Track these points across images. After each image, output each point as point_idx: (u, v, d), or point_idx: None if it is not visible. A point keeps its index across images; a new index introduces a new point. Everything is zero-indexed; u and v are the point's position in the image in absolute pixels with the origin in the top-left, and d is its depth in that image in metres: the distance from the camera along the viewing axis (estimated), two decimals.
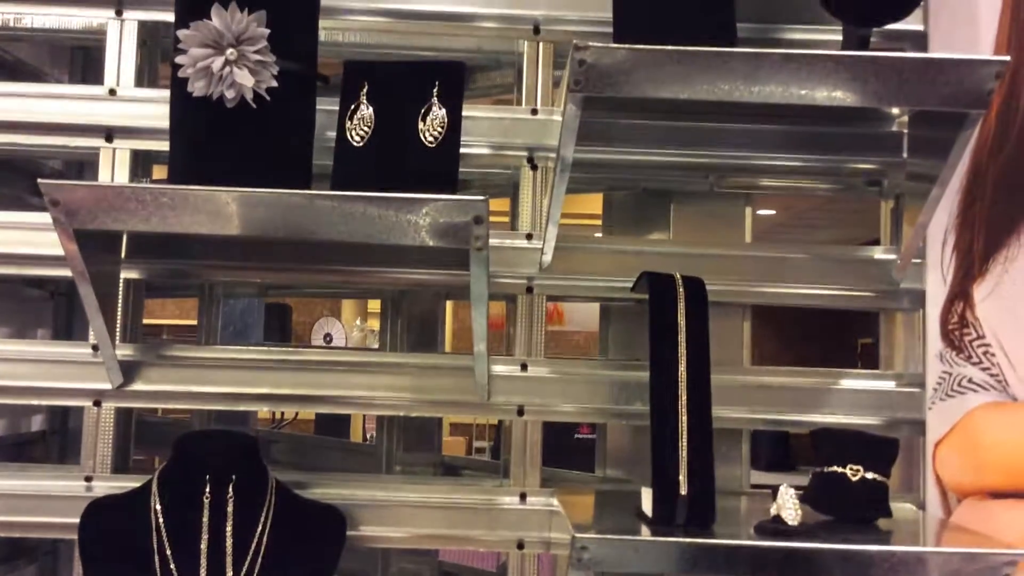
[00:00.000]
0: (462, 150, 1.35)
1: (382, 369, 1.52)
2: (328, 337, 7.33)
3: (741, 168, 1.58)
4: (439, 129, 1.33)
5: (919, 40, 1.54)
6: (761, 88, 1.23)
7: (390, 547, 1.83)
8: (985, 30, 1.56)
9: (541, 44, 1.56)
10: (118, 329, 1.48)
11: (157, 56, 1.63)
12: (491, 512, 1.49)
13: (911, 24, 1.51)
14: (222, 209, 1.22)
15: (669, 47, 1.18)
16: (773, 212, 7.30)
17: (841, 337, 8.48)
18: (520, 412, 1.51)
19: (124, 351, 1.49)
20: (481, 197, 1.18)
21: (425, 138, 1.32)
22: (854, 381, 1.53)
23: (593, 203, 1.98)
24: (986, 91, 1.19)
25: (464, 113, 1.35)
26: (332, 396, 1.50)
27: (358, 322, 7.70)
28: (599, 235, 1.92)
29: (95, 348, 1.46)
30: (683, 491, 1.19)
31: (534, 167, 1.54)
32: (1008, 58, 1.19)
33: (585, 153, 1.51)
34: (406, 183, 1.25)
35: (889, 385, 1.52)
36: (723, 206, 1.64)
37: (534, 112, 1.54)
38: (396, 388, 1.51)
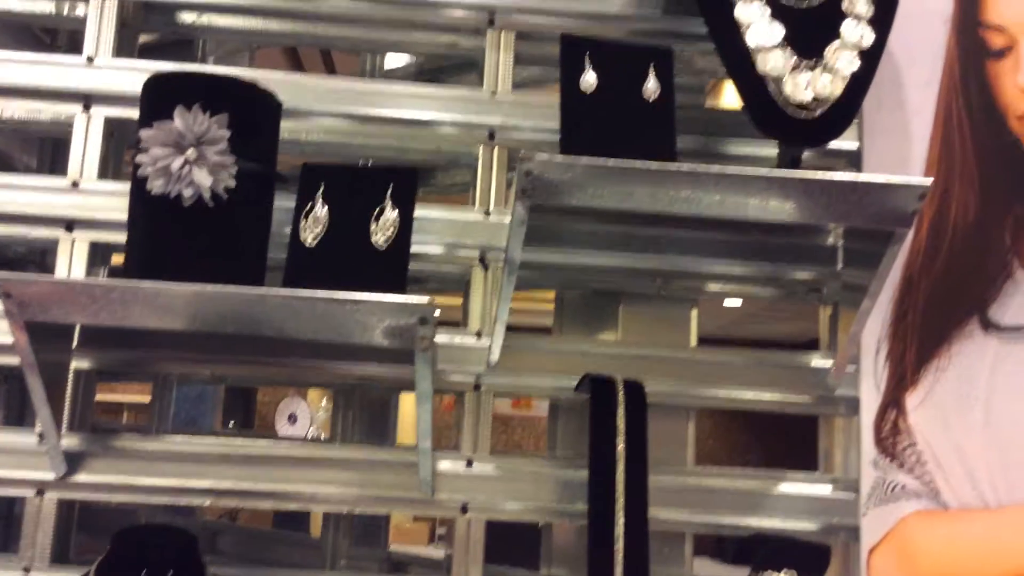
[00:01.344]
0: (416, 248, 1.39)
1: (328, 464, 1.51)
2: (292, 418, 7.24)
3: (687, 274, 1.62)
4: (391, 231, 1.37)
5: (854, 157, 1.62)
6: (699, 201, 1.29)
7: None
8: (917, 147, 1.63)
9: (496, 149, 1.61)
10: (66, 417, 1.48)
11: (123, 147, 1.67)
12: None
13: (846, 142, 1.59)
14: (172, 304, 1.24)
15: (610, 161, 1.24)
16: (739, 304, 7.41)
17: (807, 429, 8.51)
18: (464, 510, 1.51)
19: (71, 440, 1.48)
20: (426, 299, 1.20)
21: (376, 239, 1.36)
22: (792, 485, 1.55)
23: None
24: (910, 212, 1.26)
25: (419, 213, 1.40)
26: (275, 491, 1.50)
27: (324, 402, 7.61)
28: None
29: (41, 437, 1.46)
30: None
31: (485, 267, 1.58)
32: (930, 182, 1.24)
33: (535, 254, 1.56)
34: (356, 283, 1.27)
35: (826, 490, 1.55)
36: (670, 309, 1.68)
37: (487, 214, 1.59)
38: (341, 483, 1.50)
